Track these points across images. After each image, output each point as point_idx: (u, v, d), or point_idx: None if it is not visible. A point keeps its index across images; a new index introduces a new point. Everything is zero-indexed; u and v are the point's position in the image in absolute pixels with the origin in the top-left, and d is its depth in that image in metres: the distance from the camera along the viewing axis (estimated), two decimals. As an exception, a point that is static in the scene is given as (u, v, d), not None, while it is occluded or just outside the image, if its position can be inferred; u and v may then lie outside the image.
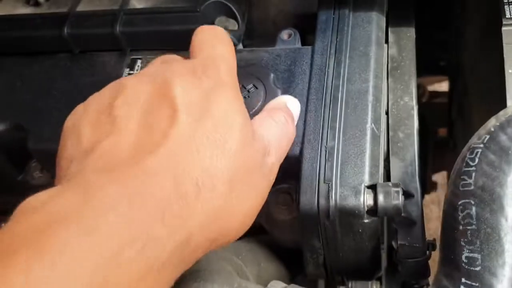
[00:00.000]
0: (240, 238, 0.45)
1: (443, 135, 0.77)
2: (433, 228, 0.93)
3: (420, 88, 0.77)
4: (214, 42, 0.33)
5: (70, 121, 0.31)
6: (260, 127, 0.32)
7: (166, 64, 0.32)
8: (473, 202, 0.31)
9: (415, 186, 0.38)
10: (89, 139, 0.29)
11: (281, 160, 0.34)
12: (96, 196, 0.24)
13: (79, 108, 0.31)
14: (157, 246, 0.24)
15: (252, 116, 0.33)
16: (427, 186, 0.78)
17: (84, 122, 0.30)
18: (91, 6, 0.46)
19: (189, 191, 0.26)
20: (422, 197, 0.40)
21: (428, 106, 0.82)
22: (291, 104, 0.37)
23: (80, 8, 0.46)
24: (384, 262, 0.41)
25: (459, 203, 0.31)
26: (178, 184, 0.26)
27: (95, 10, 0.45)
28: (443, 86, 0.86)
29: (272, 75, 0.41)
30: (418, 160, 0.40)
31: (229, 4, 0.43)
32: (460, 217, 0.31)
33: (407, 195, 0.38)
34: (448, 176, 0.82)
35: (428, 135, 0.73)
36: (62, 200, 0.24)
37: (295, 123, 0.38)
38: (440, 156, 0.74)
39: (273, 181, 0.33)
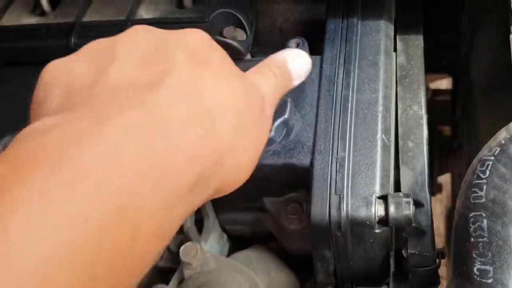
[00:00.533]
0: (251, 246, 0.45)
1: (447, 135, 0.77)
2: (435, 225, 0.94)
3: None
4: None
5: (49, 73, 0.28)
6: (254, 79, 0.32)
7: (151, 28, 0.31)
8: (484, 215, 0.31)
9: (425, 195, 0.39)
10: (87, 75, 0.26)
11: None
12: (113, 121, 0.23)
13: (58, 62, 0.28)
14: (176, 176, 0.23)
15: None
16: (433, 189, 0.78)
17: (77, 65, 0.27)
18: (98, 16, 0.46)
19: (205, 121, 0.26)
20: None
21: (431, 104, 0.82)
22: (292, 62, 0.34)
23: (87, 18, 0.46)
24: (392, 268, 0.42)
25: (471, 215, 0.32)
26: (195, 113, 0.25)
27: (101, 20, 0.45)
28: (444, 83, 0.86)
29: (281, 85, 0.41)
30: (428, 169, 0.40)
31: (237, 14, 0.42)
32: (471, 229, 0.31)
33: (417, 204, 0.38)
34: (453, 177, 0.82)
35: (433, 137, 0.73)
36: (75, 123, 0.22)
37: (303, 75, 0.35)
38: (444, 156, 0.74)
39: (269, 133, 0.32)
